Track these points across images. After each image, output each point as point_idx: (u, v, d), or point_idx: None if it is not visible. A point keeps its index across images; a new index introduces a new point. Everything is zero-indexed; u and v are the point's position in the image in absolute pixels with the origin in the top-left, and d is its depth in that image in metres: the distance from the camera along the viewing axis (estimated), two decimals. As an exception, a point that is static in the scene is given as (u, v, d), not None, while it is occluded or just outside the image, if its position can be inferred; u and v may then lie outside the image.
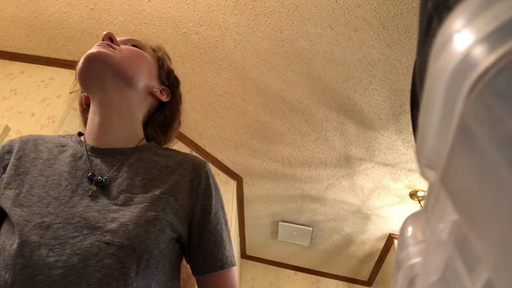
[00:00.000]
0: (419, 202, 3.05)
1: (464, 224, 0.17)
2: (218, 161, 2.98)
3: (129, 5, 1.90)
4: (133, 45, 0.73)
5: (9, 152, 0.61)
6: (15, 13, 2.04)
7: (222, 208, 0.69)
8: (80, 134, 0.70)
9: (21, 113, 2.04)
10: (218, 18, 1.90)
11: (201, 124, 2.65)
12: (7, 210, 0.53)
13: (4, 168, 0.59)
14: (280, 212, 3.56)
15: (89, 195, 0.55)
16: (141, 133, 0.71)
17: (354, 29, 1.86)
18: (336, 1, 1.74)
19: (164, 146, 0.79)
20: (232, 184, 3.14)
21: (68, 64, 2.26)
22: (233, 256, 0.67)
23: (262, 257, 4.31)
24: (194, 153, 2.84)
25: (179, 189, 0.61)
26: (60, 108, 2.02)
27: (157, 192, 0.58)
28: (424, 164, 0.20)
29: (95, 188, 0.56)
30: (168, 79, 0.80)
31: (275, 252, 4.20)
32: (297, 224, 3.68)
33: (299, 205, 3.41)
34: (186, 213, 0.61)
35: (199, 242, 0.62)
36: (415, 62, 0.30)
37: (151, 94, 0.73)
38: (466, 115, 0.15)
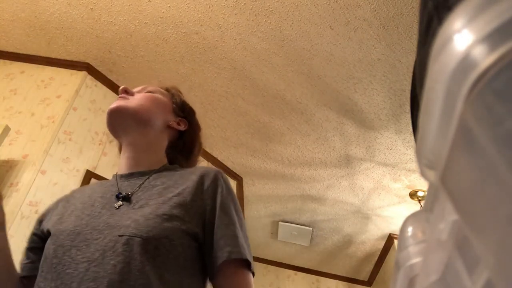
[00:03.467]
0: (419, 202, 3.05)
1: (464, 224, 0.17)
2: (218, 161, 2.98)
3: (129, 5, 1.90)
4: (148, 91, 0.84)
5: (61, 200, 0.77)
6: (15, 13, 2.04)
7: (236, 210, 0.70)
8: None
9: (21, 113, 2.04)
10: (218, 18, 1.90)
11: (201, 124, 2.65)
12: (50, 229, 0.65)
13: (55, 208, 0.74)
14: (280, 212, 3.56)
15: (117, 209, 0.65)
16: (164, 160, 0.81)
17: (354, 29, 1.86)
18: (336, 1, 1.74)
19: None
20: (232, 184, 3.14)
21: (68, 64, 2.26)
22: (248, 252, 0.65)
23: (262, 257, 4.31)
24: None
25: (189, 190, 0.67)
26: (60, 108, 2.02)
27: (169, 195, 0.66)
28: (424, 164, 0.20)
29: (121, 203, 0.66)
30: (183, 111, 0.89)
31: (275, 252, 4.20)
32: (297, 224, 3.69)
33: (299, 205, 3.41)
34: (198, 213, 0.65)
35: (211, 238, 0.64)
36: (415, 62, 0.30)
37: (169, 127, 0.83)
38: (466, 115, 0.15)
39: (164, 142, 0.81)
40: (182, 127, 0.86)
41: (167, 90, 0.91)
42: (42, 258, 0.62)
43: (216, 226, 0.65)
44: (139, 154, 0.76)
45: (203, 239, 0.65)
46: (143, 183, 0.71)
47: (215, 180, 0.70)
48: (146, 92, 0.83)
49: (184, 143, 0.86)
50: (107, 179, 0.82)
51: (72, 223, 0.63)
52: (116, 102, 0.76)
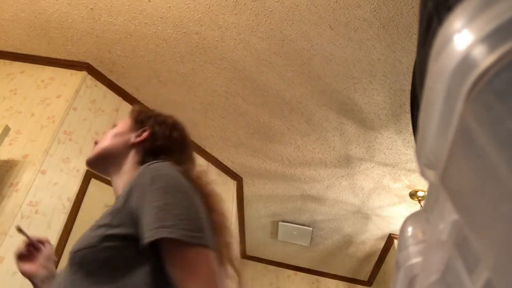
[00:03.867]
0: (419, 202, 3.05)
1: (464, 224, 0.17)
2: (218, 161, 2.98)
3: (129, 5, 1.90)
4: (113, 127, 0.92)
5: None
6: (15, 13, 2.04)
7: (162, 192, 0.64)
8: None
9: (21, 113, 2.04)
10: (218, 18, 1.90)
11: (201, 124, 2.65)
12: None
13: None
14: (280, 212, 3.56)
15: None
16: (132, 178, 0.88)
17: (354, 29, 1.86)
18: (336, 1, 1.74)
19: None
20: (232, 184, 3.14)
21: (68, 64, 2.26)
22: (177, 227, 0.58)
23: (262, 257, 4.31)
24: (196, 155, 2.84)
25: (123, 195, 0.68)
26: (60, 108, 2.02)
27: (111, 210, 0.67)
28: (424, 164, 0.20)
29: None
30: (142, 121, 0.92)
31: (275, 252, 4.20)
32: (297, 224, 3.69)
33: (299, 205, 3.41)
34: (129, 213, 0.64)
35: (141, 229, 0.61)
36: (415, 62, 0.30)
37: (133, 144, 0.86)
38: (466, 115, 0.15)
39: (135, 161, 0.84)
40: (145, 135, 0.87)
41: (131, 112, 0.97)
42: None
43: (142, 216, 0.61)
44: (118, 181, 0.83)
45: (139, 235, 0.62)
46: None
47: (140, 176, 0.68)
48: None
49: (155, 146, 0.87)
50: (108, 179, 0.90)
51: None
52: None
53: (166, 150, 0.87)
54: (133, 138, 0.88)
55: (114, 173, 0.85)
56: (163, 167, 0.70)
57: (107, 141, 0.87)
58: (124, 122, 0.92)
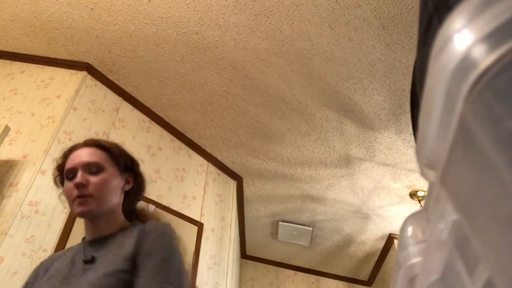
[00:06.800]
0: (419, 202, 3.05)
1: (464, 224, 0.17)
2: (218, 161, 2.98)
3: (129, 5, 1.90)
4: (92, 171, 0.88)
5: (40, 267, 0.90)
6: (15, 13, 2.04)
7: (157, 254, 0.79)
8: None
9: (21, 113, 2.04)
10: (218, 18, 1.90)
11: (201, 124, 2.65)
12: None
13: (36, 277, 0.87)
14: (280, 212, 3.56)
15: (83, 272, 0.78)
16: (122, 218, 0.92)
17: (354, 29, 1.86)
18: (336, 1, 1.74)
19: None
20: (232, 184, 3.14)
21: (68, 64, 2.26)
22: None
23: (262, 257, 4.31)
24: (196, 155, 2.84)
25: (131, 243, 0.80)
26: (60, 108, 2.02)
27: (120, 253, 0.79)
28: (424, 163, 0.20)
29: (87, 266, 0.79)
30: (127, 168, 0.95)
31: (275, 252, 4.20)
32: (297, 224, 3.69)
33: (299, 205, 3.41)
34: (134, 259, 0.78)
35: (136, 279, 0.76)
36: (415, 62, 0.30)
37: (121, 191, 0.94)
38: (466, 115, 0.15)
39: (119, 205, 0.93)
40: (131, 184, 0.96)
41: (103, 147, 0.94)
42: None
43: (141, 269, 0.76)
44: (102, 224, 0.88)
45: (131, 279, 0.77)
46: (105, 246, 0.84)
47: (149, 230, 0.83)
48: (93, 174, 0.88)
49: (135, 191, 0.97)
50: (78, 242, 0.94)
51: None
52: (77, 204, 0.85)
53: (140, 194, 1.00)
54: (122, 185, 0.93)
55: (100, 219, 0.88)
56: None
57: (105, 194, 0.87)
58: (111, 171, 0.91)
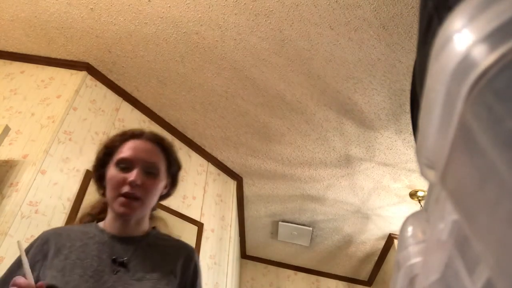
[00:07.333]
0: (419, 202, 3.05)
1: (464, 224, 0.17)
2: (218, 161, 2.98)
3: (129, 5, 1.90)
4: (149, 172, 0.82)
5: (46, 243, 0.79)
6: (15, 13, 2.04)
7: (202, 284, 0.89)
8: (97, 220, 0.89)
9: (21, 113, 2.04)
10: (218, 18, 1.90)
11: (201, 124, 2.65)
12: (55, 284, 0.69)
13: (45, 256, 0.76)
14: (280, 212, 3.56)
15: (115, 274, 0.74)
16: (147, 222, 0.89)
17: (354, 29, 1.86)
18: (336, 1, 1.74)
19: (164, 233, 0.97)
20: (232, 184, 3.14)
21: (68, 64, 2.26)
22: None
23: (262, 257, 4.31)
24: (196, 155, 2.84)
25: (177, 268, 0.81)
26: (60, 108, 2.02)
27: (162, 271, 0.78)
28: (424, 163, 0.20)
29: (119, 268, 0.75)
30: (174, 175, 0.93)
31: (275, 252, 4.20)
32: (297, 224, 3.69)
33: (299, 205, 3.41)
34: (178, 276, 0.80)
35: None
36: (415, 62, 0.30)
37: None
38: (466, 114, 0.15)
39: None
40: (167, 188, 0.93)
41: (163, 148, 0.88)
42: None
43: None
44: (132, 226, 0.83)
45: None
46: (135, 250, 0.80)
47: (195, 263, 0.87)
48: (148, 175, 0.82)
49: (165, 196, 0.94)
50: (89, 223, 0.88)
51: (77, 283, 0.70)
52: (122, 203, 0.78)
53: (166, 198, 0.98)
54: (160, 193, 0.88)
55: (133, 220, 0.84)
56: None
57: (153, 198, 0.84)
58: (163, 176, 0.86)
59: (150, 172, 0.81)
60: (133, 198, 0.78)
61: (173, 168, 0.90)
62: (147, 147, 0.83)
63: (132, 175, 0.77)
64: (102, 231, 0.82)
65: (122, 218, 0.81)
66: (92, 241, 0.79)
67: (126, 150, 0.81)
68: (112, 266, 0.75)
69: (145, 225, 0.87)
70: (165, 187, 0.90)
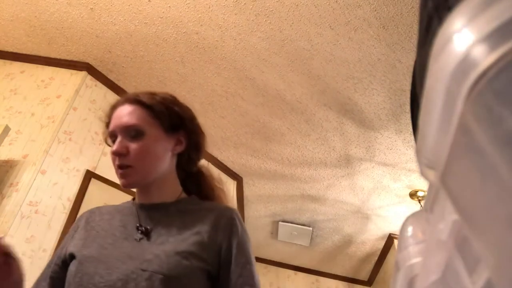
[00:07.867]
0: (419, 202, 3.05)
1: (464, 224, 0.17)
2: (218, 161, 2.98)
3: (129, 5, 1.90)
4: (132, 136, 0.76)
5: (80, 220, 0.82)
6: (15, 13, 2.04)
7: (251, 249, 0.76)
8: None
9: (21, 113, 2.04)
10: (218, 18, 1.90)
11: (201, 124, 2.65)
12: (74, 253, 0.70)
13: (76, 230, 0.79)
14: (280, 212, 3.56)
15: (138, 241, 0.71)
16: (179, 188, 0.84)
17: (354, 29, 1.86)
18: (336, 1, 1.74)
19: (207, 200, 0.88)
20: (232, 184, 3.14)
21: (68, 64, 2.26)
22: None
23: (262, 257, 4.31)
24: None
25: (206, 228, 0.73)
26: (60, 108, 2.02)
27: (188, 233, 0.72)
28: (424, 163, 0.20)
29: (141, 236, 0.72)
30: (175, 124, 0.82)
31: (275, 252, 4.20)
32: (297, 224, 3.69)
33: (299, 205, 3.41)
34: (214, 251, 0.71)
35: (227, 277, 0.70)
36: (415, 62, 0.30)
37: (173, 154, 0.82)
38: (466, 115, 0.15)
39: (172, 171, 0.83)
40: (184, 145, 0.83)
41: (143, 104, 0.79)
42: (66, 284, 0.67)
43: (234, 265, 0.70)
44: (153, 193, 0.80)
45: (216, 277, 0.70)
46: (162, 217, 0.76)
47: (231, 220, 0.76)
48: (133, 139, 0.75)
49: (191, 151, 0.85)
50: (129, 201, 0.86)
51: (96, 250, 0.69)
52: (119, 175, 0.76)
53: (194, 162, 0.89)
54: (172, 147, 0.80)
55: (151, 185, 0.79)
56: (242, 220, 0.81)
57: (148, 163, 0.76)
58: (154, 134, 0.77)
59: (133, 136, 0.75)
60: (125, 167, 0.74)
61: (167, 121, 0.79)
62: (125, 111, 0.77)
63: (114, 146, 0.74)
64: (133, 203, 0.82)
65: (133, 187, 0.78)
66: (120, 214, 0.79)
67: (111, 123, 0.78)
68: (136, 234, 0.72)
69: (172, 191, 0.81)
70: (178, 143, 0.82)
